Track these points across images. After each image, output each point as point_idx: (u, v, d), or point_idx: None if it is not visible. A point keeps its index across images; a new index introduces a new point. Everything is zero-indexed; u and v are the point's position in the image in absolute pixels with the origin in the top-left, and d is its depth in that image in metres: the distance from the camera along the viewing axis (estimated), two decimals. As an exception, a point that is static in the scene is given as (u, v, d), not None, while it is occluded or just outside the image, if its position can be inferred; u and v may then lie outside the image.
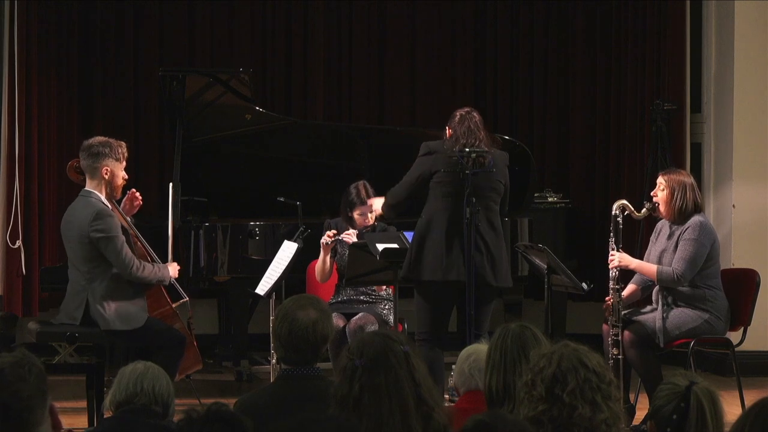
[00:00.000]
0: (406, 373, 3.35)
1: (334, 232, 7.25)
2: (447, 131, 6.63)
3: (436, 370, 6.33)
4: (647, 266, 6.87)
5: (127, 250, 6.50)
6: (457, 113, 6.65)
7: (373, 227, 7.39)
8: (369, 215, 7.32)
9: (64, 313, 6.61)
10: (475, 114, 6.62)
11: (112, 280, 6.51)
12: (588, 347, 3.27)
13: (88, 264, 6.51)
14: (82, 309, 6.50)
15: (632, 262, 6.89)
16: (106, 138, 6.64)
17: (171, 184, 7.84)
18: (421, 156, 6.60)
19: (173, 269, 6.78)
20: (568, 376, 3.17)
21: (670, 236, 6.89)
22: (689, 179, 6.92)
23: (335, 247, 7.36)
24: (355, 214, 7.34)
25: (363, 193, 7.34)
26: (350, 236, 7.22)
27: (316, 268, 7.37)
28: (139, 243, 6.80)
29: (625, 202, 6.92)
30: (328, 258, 7.31)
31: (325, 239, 7.23)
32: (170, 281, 6.79)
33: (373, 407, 3.30)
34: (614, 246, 6.86)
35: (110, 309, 6.48)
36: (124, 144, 6.65)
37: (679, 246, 6.77)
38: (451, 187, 6.47)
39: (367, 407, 3.30)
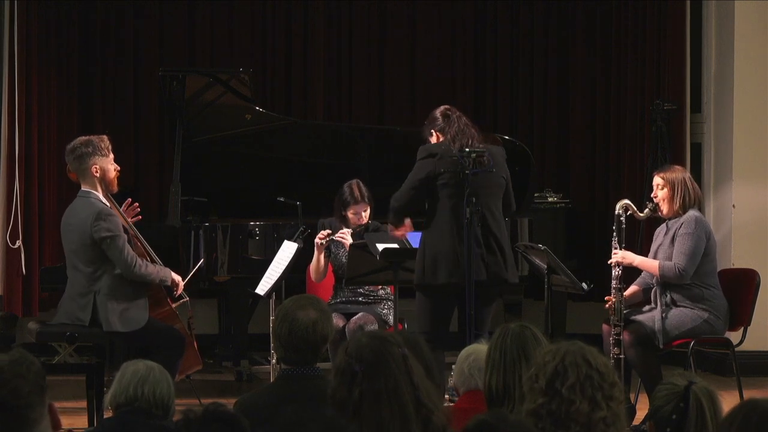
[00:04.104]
0: (405, 376, 3.34)
1: (328, 232, 7.26)
2: (434, 135, 6.58)
3: (436, 370, 6.31)
4: (650, 263, 6.88)
5: (129, 248, 6.50)
6: (438, 115, 6.59)
7: (366, 226, 7.40)
8: (363, 214, 7.33)
9: (67, 314, 6.59)
10: (459, 113, 6.57)
11: (115, 281, 6.51)
12: (597, 349, 3.28)
13: (92, 265, 6.51)
14: (89, 310, 6.49)
15: (635, 259, 6.90)
16: (87, 137, 6.62)
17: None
18: (421, 159, 6.52)
19: (177, 277, 6.77)
20: (569, 371, 3.18)
21: (666, 233, 6.91)
22: (685, 173, 6.95)
23: (329, 247, 7.37)
24: (349, 213, 7.35)
25: (357, 192, 7.34)
26: (344, 235, 7.23)
27: (310, 268, 7.37)
28: (138, 243, 6.80)
29: (628, 201, 6.93)
30: (322, 257, 7.32)
31: (318, 240, 7.24)
32: (172, 283, 6.76)
33: (373, 413, 3.29)
34: (617, 245, 6.87)
35: (113, 310, 6.48)
36: (105, 137, 6.63)
37: (676, 242, 6.78)
38: (456, 189, 6.41)
39: (367, 413, 3.29)
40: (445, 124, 6.54)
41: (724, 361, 8.00)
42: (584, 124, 9.86)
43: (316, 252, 7.30)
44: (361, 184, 7.37)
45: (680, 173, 6.92)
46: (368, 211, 7.35)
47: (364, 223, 7.34)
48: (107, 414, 4.21)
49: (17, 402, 3.03)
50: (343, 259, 7.26)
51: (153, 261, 6.94)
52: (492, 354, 3.87)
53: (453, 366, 4.91)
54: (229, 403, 3.47)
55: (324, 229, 7.29)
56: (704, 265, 6.80)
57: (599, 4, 9.75)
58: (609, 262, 6.86)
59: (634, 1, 9.41)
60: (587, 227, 9.49)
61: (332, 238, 7.24)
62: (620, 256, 6.83)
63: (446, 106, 6.68)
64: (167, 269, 6.72)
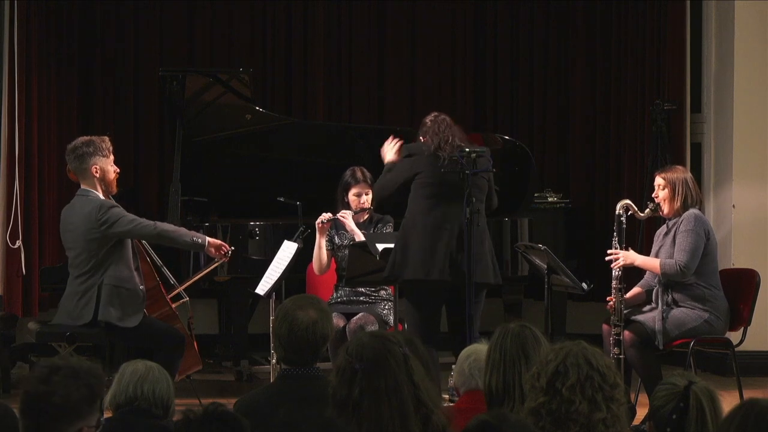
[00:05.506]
0: (405, 375, 3.35)
1: (329, 215, 7.26)
2: (421, 140, 6.75)
3: (433, 370, 6.33)
4: (651, 261, 6.88)
5: (140, 219, 6.54)
6: (427, 120, 6.79)
7: (370, 218, 7.40)
8: (365, 196, 7.34)
9: (67, 314, 6.59)
10: (444, 116, 6.75)
11: (114, 278, 6.51)
12: (601, 350, 3.29)
13: (95, 260, 6.51)
14: (90, 309, 6.50)
15: (637, 259, 6.90)
16: (89, 137, 6.66)
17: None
18: (402, 158, 6.72)
19: (216, 241, 6.78)
20: (570, 371, 3.20)
21: (666, 234, 6.91)
22: (686, 173, 6.97)
23: (332, 239, 7.37)
24: (351, 194, 7.36)
25: (358, 173, 7.39)
26: (345, 216, 7.24)
27: (313, 257, 7.37)
28: (139, 243, 6.80)
29: (628, 202, 6.94)
30: (324, 243, 7.30)
31: (319, 219, 7.24)
32: (209, 246, 6.72)
33: (373, 411, 3.29)
34: (617, 245, 6.86)
35: (114, 302, 6.49)
36: (106, 138, 6.67)
37: (677, 239, 6.78)
38: (433, 189, 6.58)
39: (366, 411, 3.29)
40: (430, 126, 6.72)
41: (724, 361, 8.00)
42: (584, 124, 9.86)
43: (317, 237, 7.30)
44: (365, 170, 7.42)
45: (681, 173, 6.92)
46: (370, 194, 7.36)
47: (366, 207, 7.35)
48: (107, 414, 4.19)
49: (41, 405, 2.99)
50: (347, 252, 7.26)
51: (153, 262, 6.95)
52: (492, 354, 3.88)
53: (453, 366, 4.91)
54: (229, 403, 3.47)
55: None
56: (705, 265, 6.80)
57: (599, 4, 9.75)
58: (611, 266, 6.85)
59: (634, 1, 9.40)
60: (587, 227, 9.49)
61: (335, 218, 7.24)
62: (622, 259, 6.83)
63: (435, 113, 6.86)
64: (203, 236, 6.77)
